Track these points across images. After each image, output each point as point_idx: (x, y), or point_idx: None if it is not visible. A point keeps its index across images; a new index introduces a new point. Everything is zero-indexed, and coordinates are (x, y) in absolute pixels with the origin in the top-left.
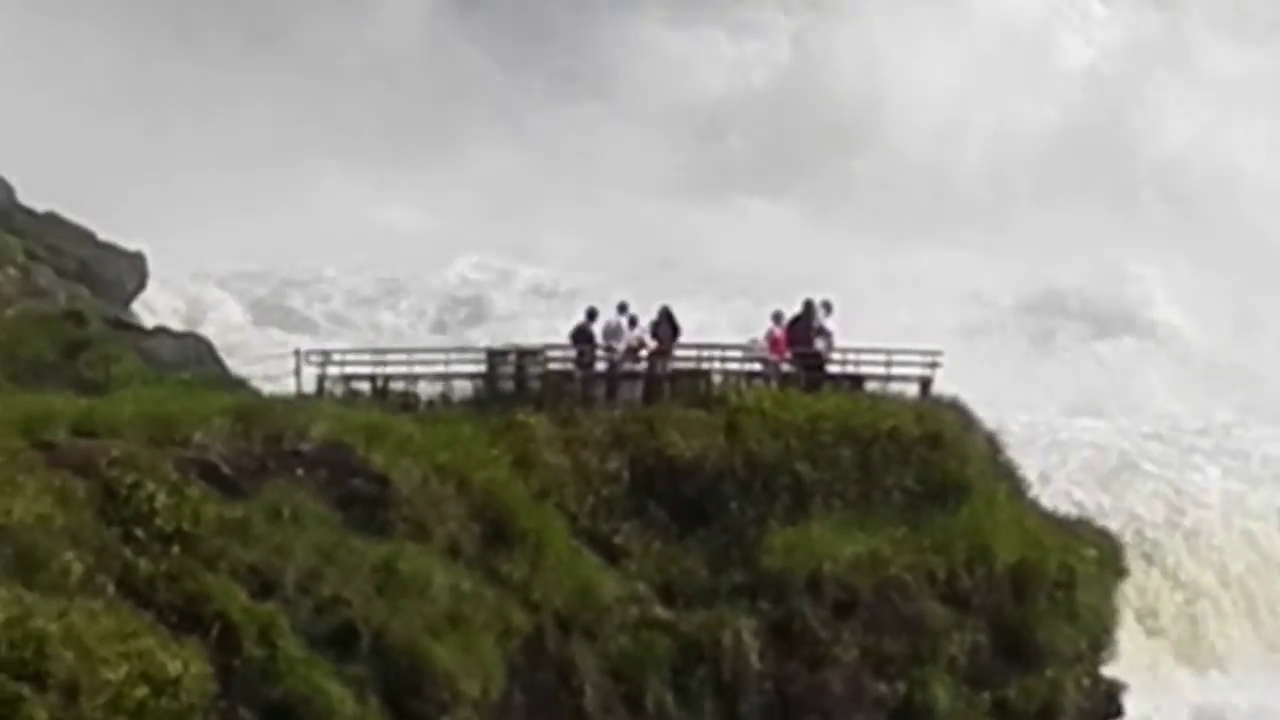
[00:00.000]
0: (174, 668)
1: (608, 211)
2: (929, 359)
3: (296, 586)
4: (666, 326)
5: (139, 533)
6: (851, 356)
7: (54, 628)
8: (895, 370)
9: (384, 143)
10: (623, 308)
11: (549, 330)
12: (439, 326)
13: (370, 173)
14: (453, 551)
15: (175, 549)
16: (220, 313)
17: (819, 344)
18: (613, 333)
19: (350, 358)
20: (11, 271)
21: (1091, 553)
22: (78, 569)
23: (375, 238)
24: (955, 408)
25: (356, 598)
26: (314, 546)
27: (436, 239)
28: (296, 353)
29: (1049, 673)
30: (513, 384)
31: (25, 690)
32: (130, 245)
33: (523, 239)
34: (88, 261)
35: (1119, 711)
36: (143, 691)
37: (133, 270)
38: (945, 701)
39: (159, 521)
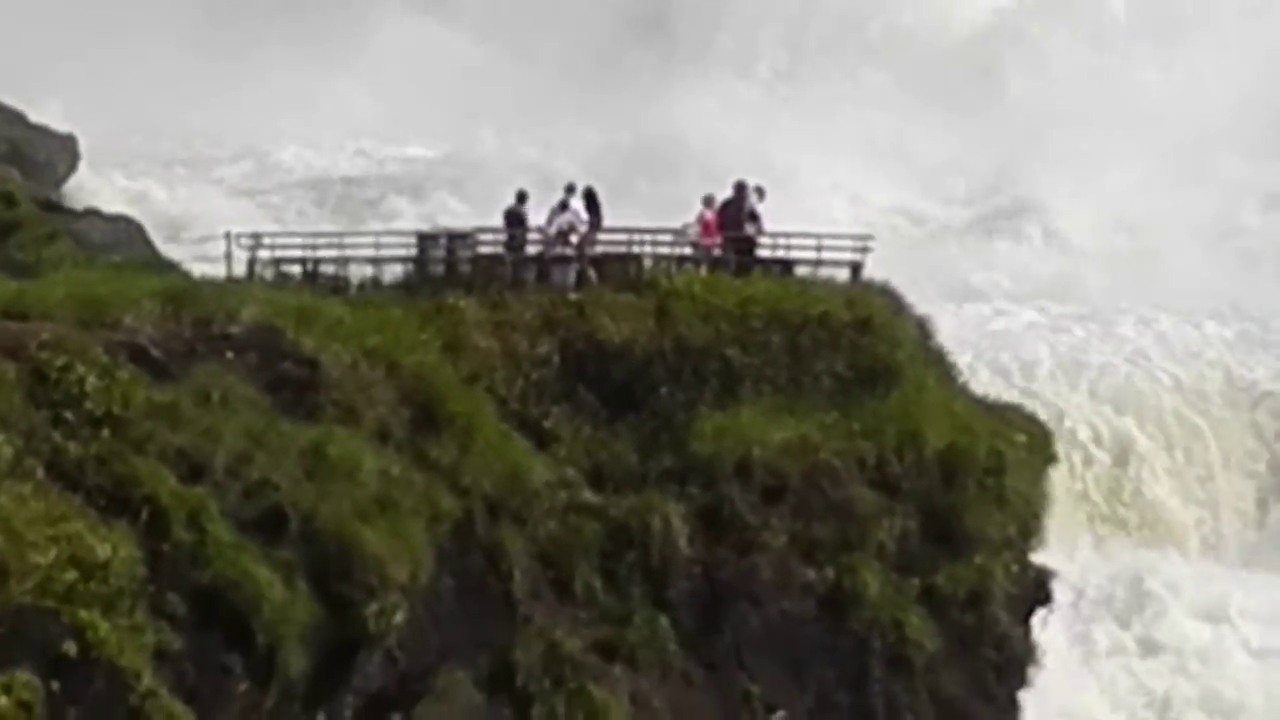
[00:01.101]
0: (103, 551)
1: None
2: (860, 244)
3: (226, 470)
4: (591, 208)
5: (68, 416)
6: (782, 241)
7: None
8: (826, 255)
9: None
10: (569, 195)
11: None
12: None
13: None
14: (382, 436)
15: (105, 432)
16: (151, 199)
17: (749, 229)
18: (550, 217)
19: (280, 241)
20: None
21: (1021, 438)
22: (6, 452)
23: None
24: (886, 293)
25: (285, 482)
26: (243, 430)
27: None
28: (226, 235)
29: (978, 559)
30: (443, 268)
31: None
32: (61, 127)
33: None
34: (18, 143)
35: (1048, 598)
36: (71, 575)
37: (64, 152)
38: (874, 588)
39: (88, 405)
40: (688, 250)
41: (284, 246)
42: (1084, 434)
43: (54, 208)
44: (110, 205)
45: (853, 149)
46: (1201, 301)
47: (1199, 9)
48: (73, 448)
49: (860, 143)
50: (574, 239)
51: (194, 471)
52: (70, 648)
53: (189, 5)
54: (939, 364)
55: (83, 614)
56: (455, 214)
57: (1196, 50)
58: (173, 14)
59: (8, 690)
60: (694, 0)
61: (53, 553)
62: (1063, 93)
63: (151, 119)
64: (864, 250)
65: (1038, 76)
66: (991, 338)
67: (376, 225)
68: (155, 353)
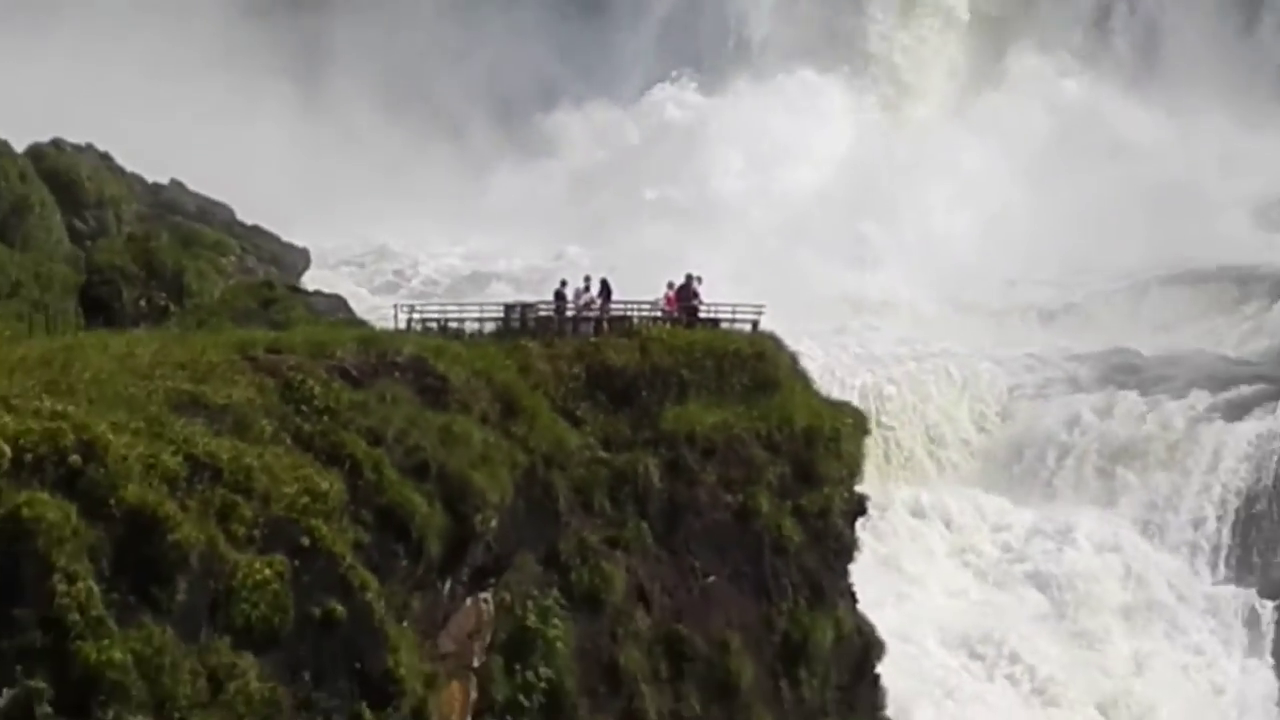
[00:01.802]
0: (324, 485)
1: None
2: (757, 309)
3: (394, 439)
4: (604, 291)
5: (304, 408)
6: (713, 308)
7: (256, 463)
8: (738, 315)
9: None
10: (586, 282)
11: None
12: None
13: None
14: (483, 419)
15: (325, 418)
16: (349, 284)
17: (694, 301)
18: (577, 295)
19: (426, 309)
20: (232, 258)
21: (849, 420)
22: (268, 429)
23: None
24: (772, 337)
25: (429, 445)
26: (404, 417)
27: None
28: (395, 306)
29: (825, 490)
30: (519, 324)
31: (239, 499)
32: (300, 243)
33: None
34: (276, 253)
35: (863, 511)
36: (306, 499)
37: (301, 258)
38: (765, 506)
39: (315, 401)
40: (659, 314)
41: (427, 312)
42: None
43: (296, 290)
44: (327, 287)
45: None
46: None
47: None
48: (306, 427)
49: None
50: (594, 308)
51: (375, 440)
52: (305, 541)
53: (380, 168)
54: (802, 378)
55: (313, 522)
56: (527, 295)
57: None
58: (368, 171)
59: (270, 566)
60: None
61: (296, 486)
62: None
63: (355, 237)
64: (759, 313)
65: None
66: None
67: (483, 300)
68: (353, 372)
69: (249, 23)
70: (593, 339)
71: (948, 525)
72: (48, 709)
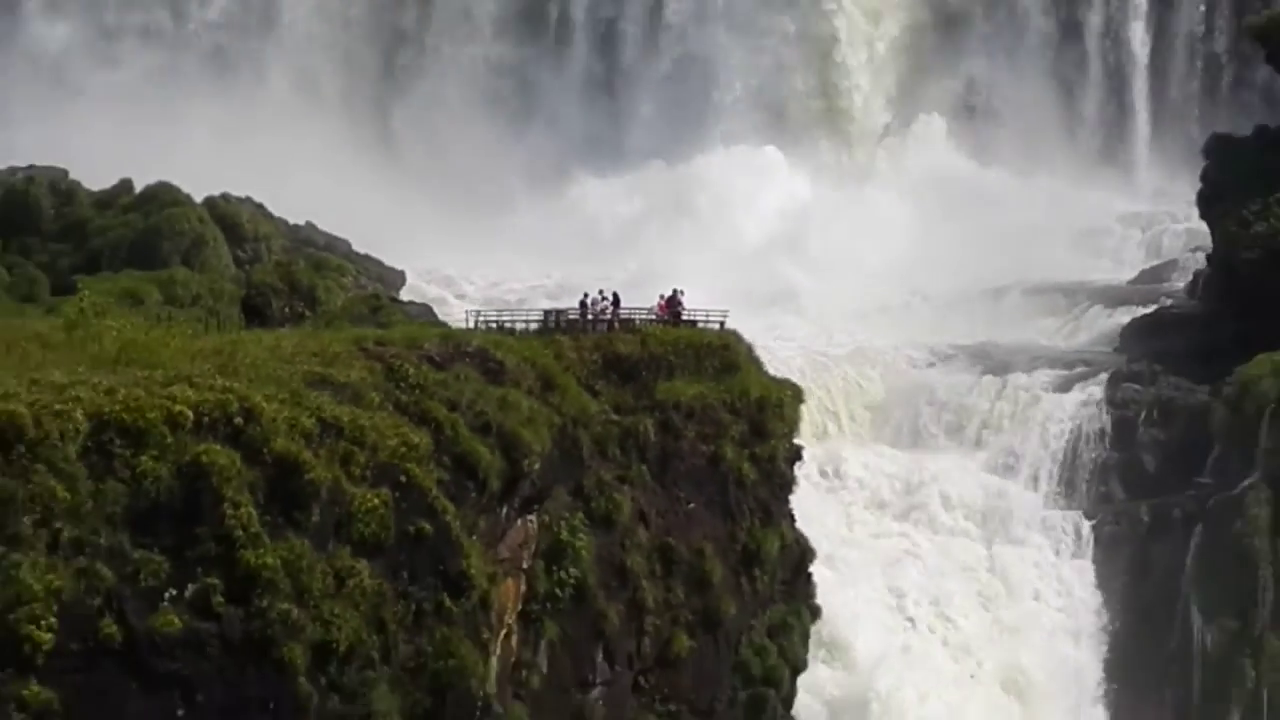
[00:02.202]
0: (416, 439)
1: None
2: (723, 313)
3: (466, 406)
4: (614, 301)
5: (401, 384)
6: (691, 312)
7: (367, 423)
8: (711, 317)
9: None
10: (601, 293)
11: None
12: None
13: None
14: (530, 392)
15: (416, 391)
16: (435, 298)
17: (678, 308)
18: (595, 304)
19: (488, 315)
20: (349, 278)
21: (789, 392)
22: (376, 399)
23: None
24: (734, 333)
25: (490, 410)
26: (472, 391)
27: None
28: (467, 313)
29: (772, 442)
30: (554, 325)
31: (356, 448)
32: (399, 267)
33: None
34: (381, 274)
35: (799, 456)
36: (403, 449)
37: (400, 278)
38: (730, 452)
39: (409, 379)
40: (653, 317)
41: (488, 317)
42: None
43: (395, 300)
44: (418, 299)
45: None
46: None
47: None
48: (403, 397)
49: None
50: (607, 314)
51: (452, 406)
52: (402, 479)
53: (448, 214)
54: (756, 362)
55: (408, 465)
56: (562, 304)
57: None
58: (440, 216)
59: (378, 496)
60: None
61: (396, 439)
62: None
63: (437, 262)
64: (725, 316)
65: None
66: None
67: (532, 310)
68: (436, 358)
69: (362, 108)
70: (607, 335)
71: (864, 467)
72: (220, 598)
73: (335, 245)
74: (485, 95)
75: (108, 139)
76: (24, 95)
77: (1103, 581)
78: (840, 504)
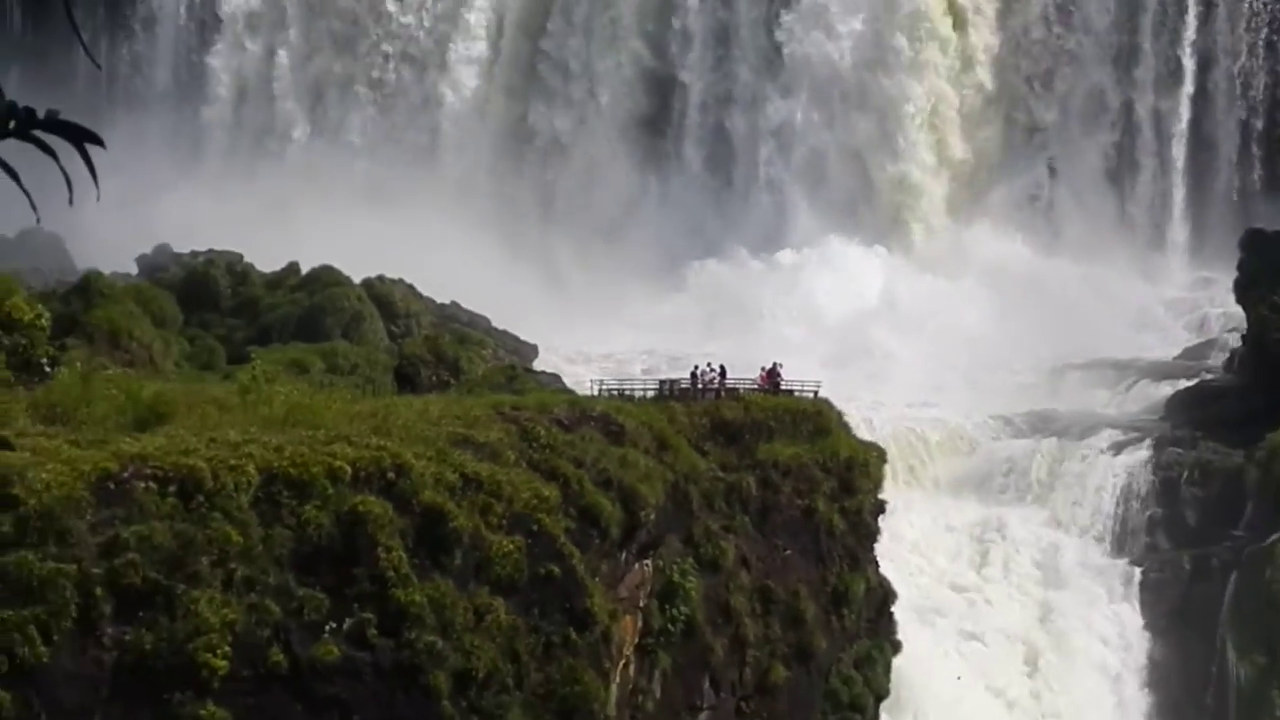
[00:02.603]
0: (546, 493)
1: None
2: (816, 383)
3: (590, 464)
4: (722, 372)
5: (533, 444)
6: (789, 383)
7: (504, 478)
8: (806, 387)
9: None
10: (709, 365)
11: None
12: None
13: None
14: (646, 452)
15: (547, 450)
16: (564, 368)
17: (777, 379)
18: (705, 374)
19: (609, 383)
20: (489, 350)
21: (874, 454)
22: (511, 457)
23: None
24: (826, 402)
25: (611, 467)
26: (596, 450)
27: None
28: (591, 381)
29: (859, 497)
30: (669, 392)
31: (494, 500)
32: (532, 341)
33: None
34: (516, 347)
35: (884, 510)
36: (535, 501)
37: (533, 351)
38: (822, 507)
39: (540, 440)
40: (755, 386)
41: (610, 385)
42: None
43: (529, 370)
44: (549, 369)
45: None
46: None
47: None
48: (535, 455)
49: None
50: (714, 383)
51: (578, 464)
52: (534, 527)
53: (579, 292)
54: (845, 427)
55: (539, 515)
56: (675, 375)
57: None
58: (567, 293)
59: (513, 542)
60: None
61: (529, 493)
62: None
63: (567, 337)
64: (819, 385)
65: None
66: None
67: (649, 380)
68: (565, 421)
69: (501, 199)
70: (714, 402)
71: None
72: (374, 631)
73: (476, 321)
74: (611, 190)
75: (277, 227)
76: (205, 183)
77: (1150, 622)
78: (921, 554)
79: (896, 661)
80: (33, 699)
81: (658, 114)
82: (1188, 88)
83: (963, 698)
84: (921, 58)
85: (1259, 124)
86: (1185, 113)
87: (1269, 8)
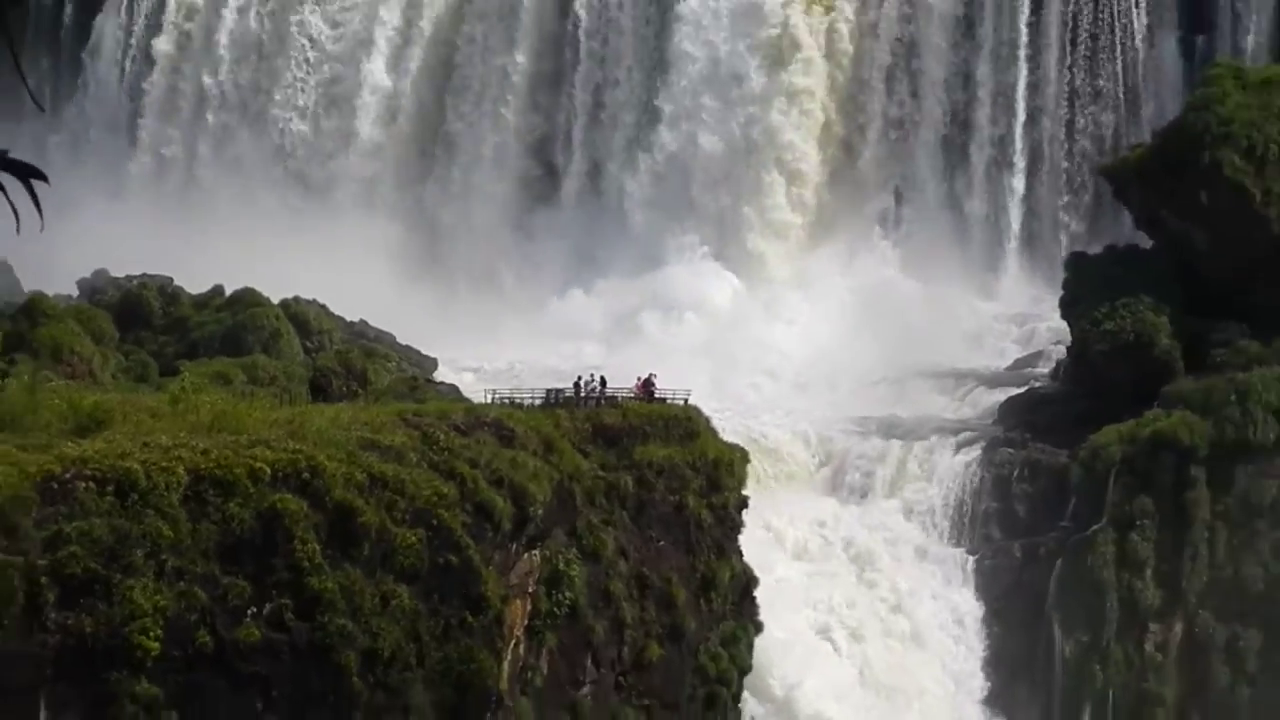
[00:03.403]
0: (445, 490)
1: None
2: (686, 392)
3: (485, 465)
4: (602, 382)
5: (434, 447)
6: (662, 391)
7: (407, 477)
8: (675, 396)
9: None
10: (591, 375)
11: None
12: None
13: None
14: (534, 453)
15: (446, 452)
16: (460, 379)
17: (651, 388)
18: (587, 384)
19: (502, 392)
20: (393, 364)
21: (738, 454)
22: (414, 458)
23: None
24: (694, 408)
25: (503, 467)
26: (489, 452)
27: None
28: (485, 390)
29: (725, 493)
30: (554, 400)
31: (398, 497)
32: (432, 355)
33: None
34: (418, 360)
35: (746, 504)
36: (435, 498)
37: (433, 364)
38: (692, 503)
39: (440, 444)
40: (632, 395)
41: (501, 393)
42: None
43: (430, 381)
44: (448, 380)
45: None
46: None
47: None
48: (434, 457)
49: None
50: (595, 392)
51: (473, 464)
52: (434, 521)
53: (479, 311)
54: (713, 431)
55: (439, 510)
56: (560, 385)
57: None
58: (471, 311)
59: (415, 535)
60: None
61: (429, 490)
62: None
63: (462, 351)
64: (688, 395)
65: None
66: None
67: (535, 388)
68: (462, 426)
69: (410, 219)
70: (595, 409)
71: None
72: (290, 615)
73: (382, 337)
74: (504, 217)
75: (201, 250)
76: (137, 214)
77: (984, 604)
78: (781, 544)
79: (758, 640)
80: None
81: (544, 174)
82: (1019, 140)
83: (819, 671)
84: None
85: (1081, 162)
86: (1020, 156)
87: (1086, 59)
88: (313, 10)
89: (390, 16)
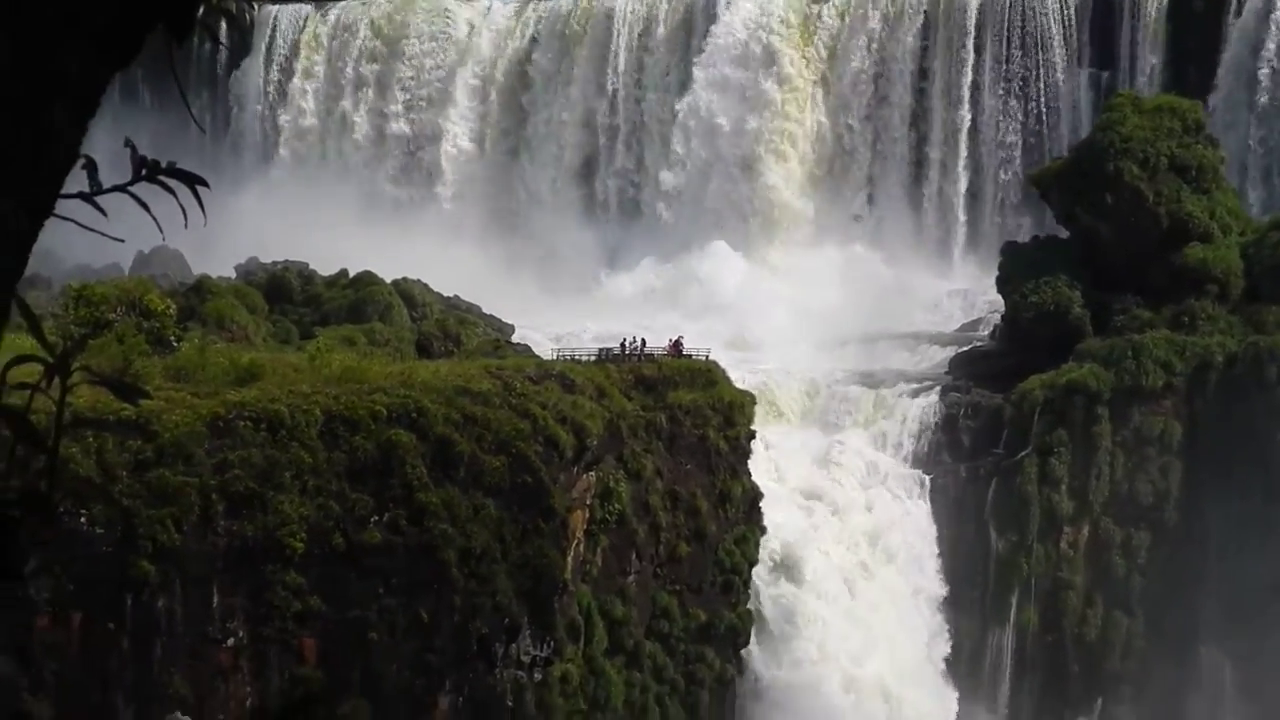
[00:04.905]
0: (521, 426)
1: None
2: (707, 350)
3: (552, 406)
4: (642, 342)
5: (512, 393)
6: (689, 350)
7: (492, 417)
8: (699, 353)
9: None
10: (634, 338)
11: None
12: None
13: None
14: (590, 398)
15: (522, 397)
16: (532, 341)
17: (679, 347)
18: (630, 345)
19: (564, 350)
20: (480, 329)
21: (748, 398)
22: (497, 401)
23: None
24: (713, 363)
25: (566, 408)
26: (555, 397)
27: None
28: (552, 349)
29: (737, 427)
30: (605, 357)
31: (484, 432)
32: (509, 321)
33: None
34: (500, 327)
35: (754, 436)
36: (514, 432)
37: (509, 328)
38: (712, 435)
39: (517, 390)
40: (665, 352)
41: (565, 352)
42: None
43: (509, 343)
44: (523, 341)
45: None
46: None
47: None
48: (513, 400)
49: None
50: (637, 351)
51: (543, 406)
52: (514, 450)
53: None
54: (728, 380)
55: (517, 442)
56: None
57: None
58: (542, 287)
59: (499, 461)
60: None
61: (509, 426)
62: None
63: (536, 319)
64: (709, 351)
65: None
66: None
67: (591, 349)
68: (533, 377)
69: (494, 215)
70: (637, 363)
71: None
72: (404, 522)
73: (471, 309)
74: (565, 214)
75: (330, 241)
76: (279, 213)
77: (936, 513)
78: (781, 467)
79: (764, 539)
80: (170, 570)
81: (590, 176)
82: (963, 153)
83: (812, 564)
84: (787, 125)
85: (1014, 172)
86: (964, 168)
87: (1019, 91)
88: (414, 44)
89: (476, 59)
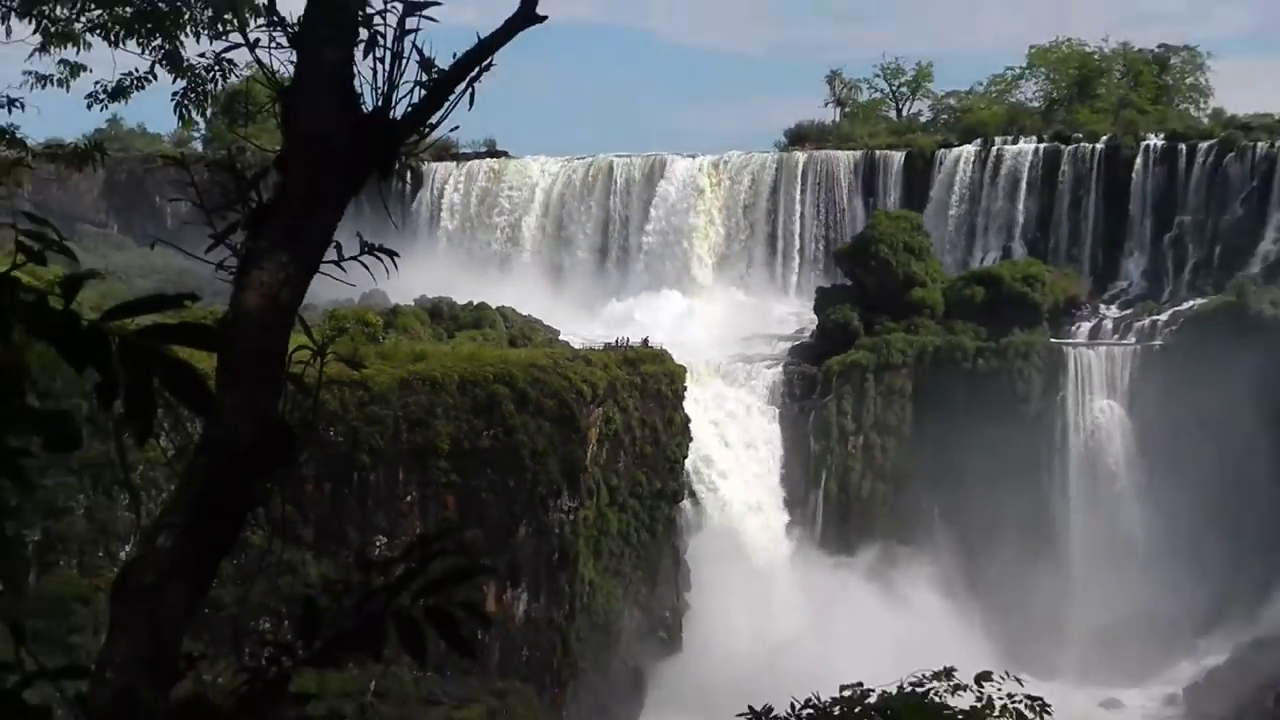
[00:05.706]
0: (563, 384)
1: None
2: (662, 346)
3: (577, 374)
4: (626, 342)
5: (558, 365)
6: (651, 344)
7: (540, 375)
8: (659, 346)
9: None
10: (623, 338)
11: None
12: None
13: None
14: (598, 368)
15: (562, 368)
16: (567, 339)
17: (647, 343)
18: (620, 342)
19: (584, 344)
20: (539, 333)
21: (681, 369)
22: (551, 369)
23: None
24: (665, 350)
25: (585, 372)
26: (581, 367)
27: None
28: (579, 344)
29: (677, 384)
30: (606, 348)
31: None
32: (554, 326)
33: None
34: (554, 331)
35: (685, 390)
36: (567, 386)
37: (555, 332)
38: (664, 388)
39: (560, 365)
40: (641, 345)
41: (584, 345)
42: None
43: (555, 340)
44: (561, 340)
45: None
46: None
47: None
48: (558, 370)
49: None
50: (624, 345)
51: (574, 373)
52: (559, 401)
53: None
54: (671, 360)
55: (565, 395)
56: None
57: None
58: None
59: (550, 402)
60: None
61: (555, 385)
62: None
63: (567, 326)
64: (663, 347)
65: None
66: None
67: (601, 342)
68: (568, 357)
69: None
70: (623, 352)
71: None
72: (501, 433)
73: (532, 320)
74: (585, 268)
75: (466, 283)
76: (440, 268)
77: (783, 430)
78: (698, 405)
79: (692, 444)
80: (375, 460)
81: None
82: (797, 243)
83: (717, 456)
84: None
85: (824, 251)
86: (796, 251)
87: (826, 207)
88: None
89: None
